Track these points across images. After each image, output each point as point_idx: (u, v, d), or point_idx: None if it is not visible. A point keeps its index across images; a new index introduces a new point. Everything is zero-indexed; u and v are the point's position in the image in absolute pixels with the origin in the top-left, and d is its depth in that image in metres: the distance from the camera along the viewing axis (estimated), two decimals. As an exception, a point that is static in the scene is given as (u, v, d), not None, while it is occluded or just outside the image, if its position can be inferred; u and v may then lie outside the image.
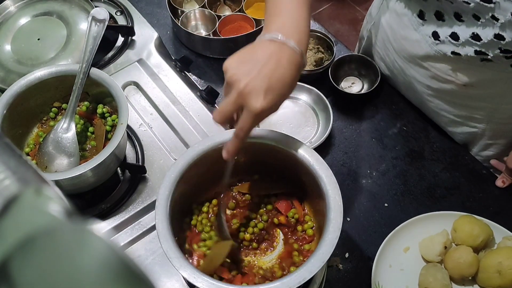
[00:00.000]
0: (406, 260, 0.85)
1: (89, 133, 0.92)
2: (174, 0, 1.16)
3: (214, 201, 0.79)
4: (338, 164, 0.98)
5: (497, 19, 0.72)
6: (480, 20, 0.75)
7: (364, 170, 0.97)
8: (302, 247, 0.75)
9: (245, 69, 0.64)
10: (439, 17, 0.83)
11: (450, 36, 0.82)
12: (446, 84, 0.92)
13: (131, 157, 0.95)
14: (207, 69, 1.12)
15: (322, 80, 1.06)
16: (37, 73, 0.89)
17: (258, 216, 0.78)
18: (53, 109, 0.94)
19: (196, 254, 0.74)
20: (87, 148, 0.91)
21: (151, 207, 0.89)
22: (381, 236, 0.85)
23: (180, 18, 1.15)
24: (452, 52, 0.83)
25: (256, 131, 0.76)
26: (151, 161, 0.94)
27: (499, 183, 0.94)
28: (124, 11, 1.15)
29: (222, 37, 1.11)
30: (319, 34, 1.10)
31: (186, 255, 0.73)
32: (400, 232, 0.85)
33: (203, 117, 1.00)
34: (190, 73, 1.10)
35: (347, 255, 0.88)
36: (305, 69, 1.06)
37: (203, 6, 1.17)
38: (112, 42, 1.11)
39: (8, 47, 1.03)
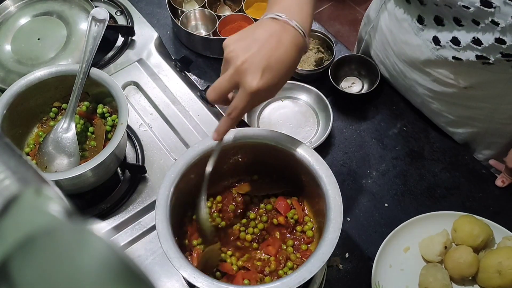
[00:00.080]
0: (406, 260, 0.85)
1: (89, 133, 0.92)
2: (174, 0, 1.16)
3: (219, 198, 0.79)
4: (338, 164, 0.98)
5: (497, 24, 0.72)
6: (480, 25, 0.75)
7: (364, 170, 0.97)
8: (299, 246, 0.75)
9: (245, 45, 0.62)
10: (439, 22, 0.82)
11: (451, 41, 0.81)
12: (448, 87, 0.92)
13: (131, 157, 0.95)
14: (207, 69, 1.12)
15: (322, 80, 1.06)
16: (37, 73, 0.89)
17: (258, 216, 0.78)
18: (53, 109, 0.94)
19: (196, 251, 0.74)
20: (87, 148, 0.91)
21: (151, 207, 0.89)
22: (381, 236, 0.85)
23: (180, 18, 1.15)
24: (453, 57, 0.83)
25: (256, 131, 0.76)
26: (151, 161, 0.94)
27: (498, 182, 0.94)
28: (124, 11, 1.15)
29: (222, 37, 1.11)
30: (319, 34, 1.10)
31: (186, 252, 0.73)
32: (400, 232, 0.85)
33: (203, 117, 1.00)
34: (190, 73, 1.10)
35: (347, 255, 0.88)
36: (305, 69, 1.06)
37: (203, 6, 1.17)
38: (112, 42, 1.11)
39: (8, 47, 1.03)
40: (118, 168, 0.92)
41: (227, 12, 1.20)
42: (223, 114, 0.99)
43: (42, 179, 0.31)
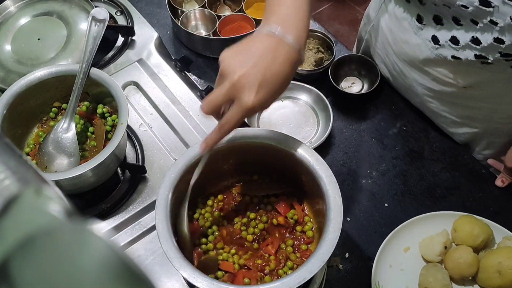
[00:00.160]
0: (406, 260, 0.85)
1: (89, 133, 0.92)
2: (174, 0, 1.16)
3: (220, 196, 0.79)
4: (338, 164, 0.98)
5: (496, 23, 0.72)
6: (479, 25, 0.75)
7: (364, 170, 0.97)
8: (299, 246, 0.75)
9: (241, 60, 0.63)
10: (438, 21, 0.82)
11: (450, 40, 0.82)
12: (447, 87, 0.92)
13: (131, 157, 0.95)
14: (207, 69, 1.12)
15: (322, 80, 1.06)
16: (37, 73, 0.89)
17: (258, 216, 0.78)
18: (53, 109, 0.95)
19: (196, 252, 0.74)
20: (87, 148, 0.91)
21: (151, 207, 0.89)
22: (381, 236, 0.85)
23: (180, 18, 1.15)
24: (452, 56, 0.83)
25: (256, 131, 0.76)
26: (151, 161, 0.94)
27: (498, 182, 0.94)
28: (124, 11, 1.15)
29: (222, 37, 1.11)
30: (319, 34, 1.10)
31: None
32: (400, 232, 0.85)
33: (203, 117, 1.00)
34: (190, 73, 1.10)
35: (347, 255, 0.88)
36: (305, 69, 1.06)
37: (203, 6, 1.17)
38: (112, 42, 1.11)
39: (8, 47, 1.03)
40: (118, 168, 0.92)
41: (227, 12, 1.20)
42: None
43: (42, 179, 0.31)
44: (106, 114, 0.93)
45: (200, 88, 1.06)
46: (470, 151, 1.02)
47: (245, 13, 1.14)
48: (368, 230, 0.90)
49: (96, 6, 1.03)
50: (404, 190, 0.95)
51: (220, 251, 0.74)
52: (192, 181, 0.70)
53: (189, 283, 0.79)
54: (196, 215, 0.77)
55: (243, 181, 0.81)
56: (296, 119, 1.03)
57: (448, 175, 0.96)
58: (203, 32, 1.17)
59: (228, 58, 0.64)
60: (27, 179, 0.30)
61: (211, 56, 1.13)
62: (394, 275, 0.83)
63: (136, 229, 0.87)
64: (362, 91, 1.07)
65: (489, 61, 0.79)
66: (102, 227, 0.87)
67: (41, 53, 1.02)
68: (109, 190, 0.91)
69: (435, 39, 0.84)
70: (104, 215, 0.88)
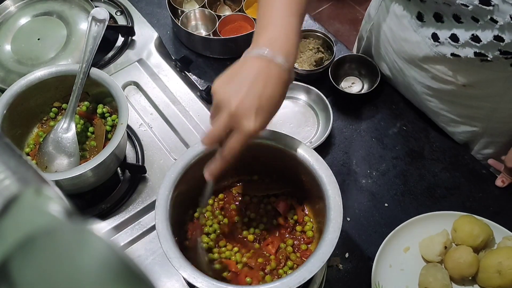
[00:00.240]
0: (406, 260, 0.85)
1: (89, 133, 0.92)
2: (174, 0, 1.16)
3: (221, 195, 0.79)
4: (338, 164, 0.98)
5: (496, 21, 0.72)
6: (479, 22, 0.75)
7: (364, 170, 0.97)
8: (299, 246, 0.75)
9: (234, 88, 0.62)
10: (438, 19, 0.83)
11: (449, 37, 0.82)
12: (446, 85, 0.92)
13: (131, 157, 0.95)
14: (207, 69, 1.12)
15: (322, 80, 1.06)
16: (37, 73, 0.89)
17: (258, 217, 0.78)
18: (53, 109, 0.95)
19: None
20: (87, 148, 0.91)
21: (151, 207, 0.89)
22: (381, 236, 0.85)
23: (180, 18, 1.15)
24: (452, 54, 0.83)
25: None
26: (151, 161, 0.94)
27: (498, 182, 0.94)
28: (124, 11, 1.15)
29: (222, 37, 1.11)
30: (319, 34, 1.10)
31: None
32: (400, 232, 0.85)
33: (203, 117, 1.00)
34: (190, 73, 1.10)
35: (347, 255, 0.88)
36: (305, 69, 1.06)
37: (203, 6, 1.17)
38: (112, 42, 1.11)
39: (8, 47, 1.03)
40: (118, 168, 0.92)
41: (227, 12, 1.20)
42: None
43: (42, 179, 0.31)
44: (106, 114, 0.93)
45: (200, 88, 1.06)
46: (470, 151, 1.02)
47: (245, 13, 1.14)
48: (368, 230, 0.90)
49: (96, 6, 1.03)
50: (404, 190, 0.95)
51: (223, 249, 0.75)
52: (205, 203, 0.71)
53: (189, 283, 0.79)
54: (196, 214, 0.77)
55: (243, 181, 0.81)
56: (296, 119, 1.03)
57: (448, 175, 0.96)
58: (203, 32, 1.17)
59: (221, 88, 0.63)
60: (27, 179, 0.30)
61: (211, 56, 1.13)
62: (394, 275, 0.83)
63: (136, 229, 0.87)
64: (362, 91, 1.07)
65: (488, 58, 0.79)
66: (102, 227, 0.88)
67: (41, 53, 1.02)
68: (109, 190, 0.91)
69: (435, 37, 0.85)
70: (104, 215, 0.88)
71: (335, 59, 1.06)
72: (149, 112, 1.01)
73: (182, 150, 0.95)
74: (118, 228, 0.87)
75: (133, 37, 1.11)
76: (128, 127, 0.93)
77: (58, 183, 0.80)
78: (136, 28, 1.11)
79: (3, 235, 0.27)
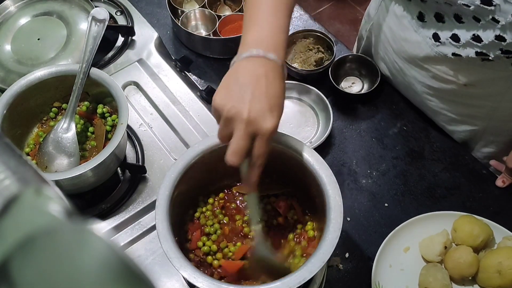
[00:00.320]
0: (406, 260, 0.85)
1: (89, 133, 0.92)
2: (174, 0, 1.16)
3: (221, 194, 0.79)
4: (338, 164, 0.98)
5: (497, 21, 0.72)
6: (481, 22, 0.75)
7: (364, 170, 0.97)
8: (300, 243, 0.75)
9: (238, 97, 0.61)
10: (439, 19, 0.82)
11: (450, 37, 0.82)
12: (447, 84, 0.92)
13: (131, 157, 0.95)
14: (207, 69, 1.12)
15: (322, 80, 1.06)
16: (37, 73, 0.89)
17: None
18: (53, 109, 0.95)
19: (199, 254, 0.74)
20: (87, 148, 0.91)
21: (151, 207, 0.89)
22: (381, 236, 0.85)
23: (180, 18, 1.15)
24: (453, 54, 0.83)
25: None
26: (151, 161, 0.94)
27: (499, 183, 0.94)
28: (124, 11, 1.15)
29: (222, 37, 1.11)
30: (319, 34, 1.10)
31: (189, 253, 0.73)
32: (400, 232, 0.85)
33: (203, 117, 1.00)
34: (190, 73, 1.10)
35: (347, 255, 0.88)
36: (305, 69, 1.06)
37: (203, 6, 1.17)
38: (112, 42, 1.11)
39: (8, 47, 1.03)
40: (118, 168, 0.92)
41: (227, 12, 1.20)
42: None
43: (42, 179, 0.31)
44: (106, 114, 0.93)
45: (200, 88, 1.06)
46: (470, 151, 1.02)
47: (245, 13, 1.14)
48: (368, 230, 0.90)
49: (96, 6, 1.03)
50: (404, 190, 0.95)
51: (225, 250, 0.74)
52: (257, 219, 0.71)
53: (189, 283, 0.79)
54: (197, 214, 0.77)
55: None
56: (296, 119, 1.03)
57: (448, 175, 0.96)
58: (203, 32, 1.17)
59: (223, 101, 0.62)
60: (27, 179, 0.30)
61: (211, 56, 1.13)
62: (394, 275, 0.83)
63: (136, 229, 0.87)
64: (362, 91, 1.07)
65: (489, 58, 0.79)
66: (102, 227, 0.88)
67: (41, 53, 1.02)
68: (109, 190, 0.91)
69: (436, 37, 0.85)
70: (104, 215, 0.88)
71: (335, 59, 1.06)
72: (149, 112, 1.01)
73: (182, 150, 0.95)
74: (118, 228, 0.87)
75: (133, 37, 1.11)
76: (128, 127, 0.93)
77: (58, 183, 0.80)
78: (136, 28, 1.11)
79: (3, 235, 0.27)
